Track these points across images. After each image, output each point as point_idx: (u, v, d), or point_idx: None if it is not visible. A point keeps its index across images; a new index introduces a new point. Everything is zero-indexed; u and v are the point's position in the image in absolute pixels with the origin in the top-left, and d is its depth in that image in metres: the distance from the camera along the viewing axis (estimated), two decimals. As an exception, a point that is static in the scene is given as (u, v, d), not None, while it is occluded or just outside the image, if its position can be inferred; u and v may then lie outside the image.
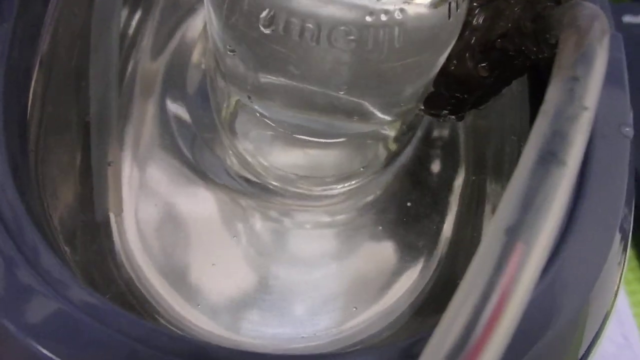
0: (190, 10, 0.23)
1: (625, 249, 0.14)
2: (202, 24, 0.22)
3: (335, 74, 0.14)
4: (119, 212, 0.17)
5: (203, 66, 0.22)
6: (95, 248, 0.17)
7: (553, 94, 0.10)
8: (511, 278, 0.08)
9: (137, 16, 0.22)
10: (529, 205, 0.08)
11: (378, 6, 0.12)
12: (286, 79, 0.15)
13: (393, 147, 0.19)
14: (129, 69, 0.20)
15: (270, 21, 0.13)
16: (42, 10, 0.15)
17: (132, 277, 0.17)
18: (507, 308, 0.08)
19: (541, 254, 0.08)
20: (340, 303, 0.18)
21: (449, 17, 0.14)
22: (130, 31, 0.21)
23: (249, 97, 0.16)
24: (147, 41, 0.22)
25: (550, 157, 0.09)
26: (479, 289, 0.08)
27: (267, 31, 0.13)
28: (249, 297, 0.18)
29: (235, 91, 0.17)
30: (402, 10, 0.12)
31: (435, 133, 0.20)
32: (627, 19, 0.38)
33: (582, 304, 0.12)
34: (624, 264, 0.14)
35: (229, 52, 0.14)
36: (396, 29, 0.13)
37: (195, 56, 0.22)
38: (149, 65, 0.21)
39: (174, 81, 0.21)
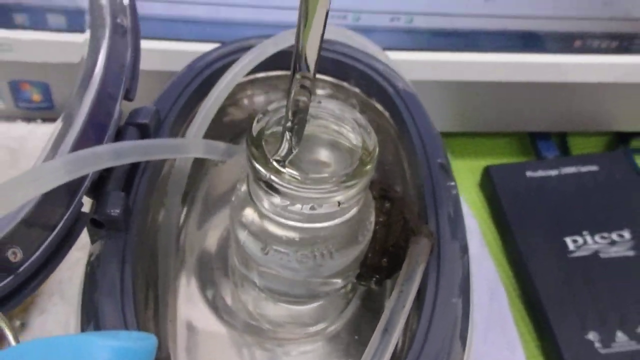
0: (220, 205, 0.35)
1: (464, 345, 0.25)
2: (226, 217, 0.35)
3: (301, 271, 0.26)
4: (174, 350, 0.29)
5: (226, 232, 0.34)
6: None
7: (392, 296, 0.22)
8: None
9: (185, 208, 0.34)
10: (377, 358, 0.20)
11: (320, 251, 0.24)
12: (277, 272, 0.26)
13: (346, 299, 0.31)
14: (180, 243, 0.33)
15: (265, 251, 0.25)
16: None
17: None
18: None
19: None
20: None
21: (362, 243, 0.26)
22: (182, 217, 0.34)
23: (255, 282, 0.28)
24: (192, 224, 0.34)
25: (385, 330, 0.20)
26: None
27: (262, 255, 0.25)
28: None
29: (245, 272, 0.29)
30: (336, 248, 0.25)
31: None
32: (529, 174, 0.51)
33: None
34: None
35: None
36: (332, 253, 0.25)
37: (221, 240, 0.34)
38: (190, 241, 0.33)
39: (205, 255, 0.33)
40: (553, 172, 0.51)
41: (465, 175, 0.54)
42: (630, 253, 0.45)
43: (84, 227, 0.24)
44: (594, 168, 0.51)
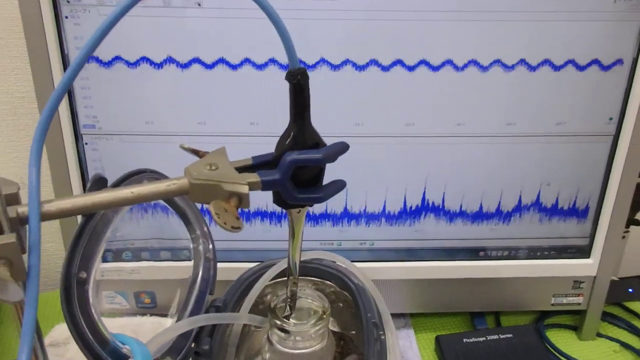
0: (254, 355, 0.61)
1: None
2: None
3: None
4: None
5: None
6: None
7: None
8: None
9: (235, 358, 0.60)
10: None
11: None
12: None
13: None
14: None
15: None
16: None
17: None
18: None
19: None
20: None
21: None
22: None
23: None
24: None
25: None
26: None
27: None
28: None
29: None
30: None
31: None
32: (465, 340, 0.75)
33: None
34: None
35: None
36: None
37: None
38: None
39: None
40: (482, 339, 0.75)
41: (426, 344, 0.78)
42: (531, 392, 0.67)
43: (191, 356, 0.51)
44: (509, 336, 0.75)
